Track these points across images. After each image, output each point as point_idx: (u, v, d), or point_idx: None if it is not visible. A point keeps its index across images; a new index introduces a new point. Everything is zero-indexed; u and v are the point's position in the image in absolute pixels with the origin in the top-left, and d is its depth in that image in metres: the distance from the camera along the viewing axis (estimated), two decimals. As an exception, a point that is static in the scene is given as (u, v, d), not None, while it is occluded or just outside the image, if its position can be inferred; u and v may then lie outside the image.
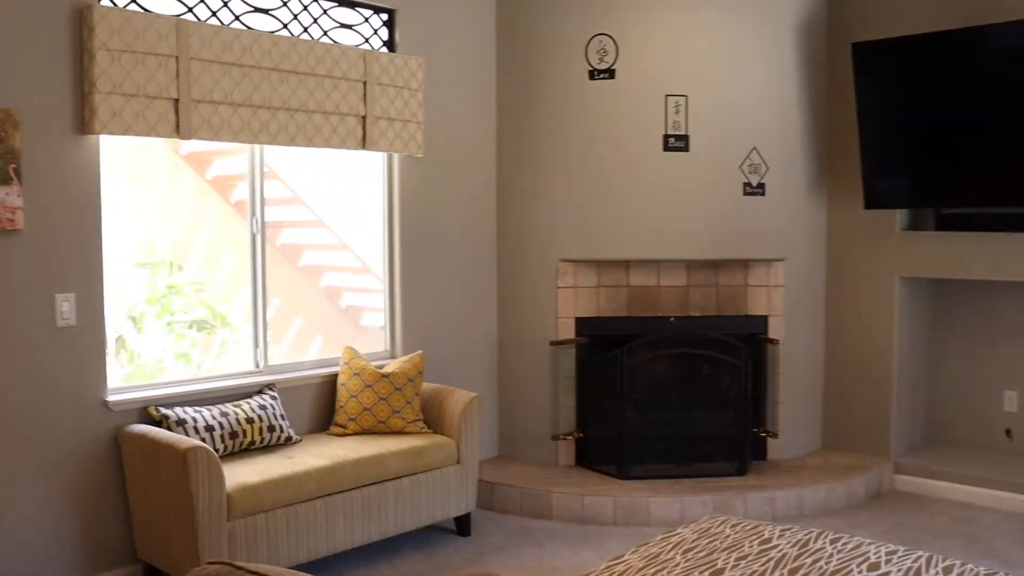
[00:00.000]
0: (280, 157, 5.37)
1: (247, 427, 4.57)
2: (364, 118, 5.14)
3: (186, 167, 6.41)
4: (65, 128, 4.16)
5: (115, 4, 4.30)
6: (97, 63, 4.13)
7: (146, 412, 4.43)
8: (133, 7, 4.36)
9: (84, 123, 4.18)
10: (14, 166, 3.99)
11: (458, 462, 4.97)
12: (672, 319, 5.80)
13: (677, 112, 5.61)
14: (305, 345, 6.46)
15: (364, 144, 5.16)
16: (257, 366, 5.09)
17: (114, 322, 5.56)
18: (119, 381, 4.71)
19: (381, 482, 4.64)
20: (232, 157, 5.15)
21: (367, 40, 5.29)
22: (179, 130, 4.43)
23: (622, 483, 5.52)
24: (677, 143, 5.64)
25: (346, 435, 4.96)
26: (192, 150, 5.42)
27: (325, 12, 5.10)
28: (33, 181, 4.06)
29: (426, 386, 5.20)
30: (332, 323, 6.34)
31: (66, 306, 4.22)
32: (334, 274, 7.02)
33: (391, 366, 5.15)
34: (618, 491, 5.37)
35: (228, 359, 5.20)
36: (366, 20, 5.29)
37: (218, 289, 5.72)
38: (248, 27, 4.76)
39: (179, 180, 6.41)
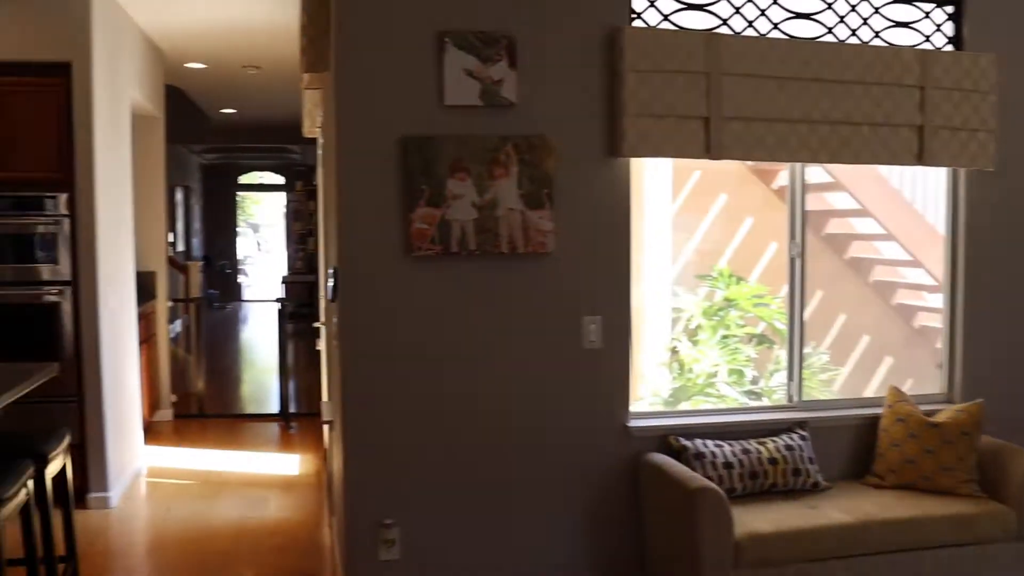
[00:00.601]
0: (846, 166, 4.91)
1: (769, 468, 4.22)
2: (921, 128, 4.50)
3: (752, 177, 6.27)
4: (595, 152, 4.17)
5: (646, 23, 4.21)
6: (627, 85, 4.07)
7: (666, 441, 4.30)
8: (664, 25, 4.24)
9: (613, 146, 4.15)
10: (547, 191, 4.07)
11: (1019, 538, 4.13)
12: None
13: None
14: (871, 366, 5.96)
15: (921, 158, 4.52)
16: (790, 400, 4.72)
17: (666, 334, 5.62)
18: (665, 392, 4.62)
19: (917, 549, 4.00)
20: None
21: (927, 38, 4.64)
22: (709, 150, 4.22)
23: None
24: None
25: (883, 488, 4.38)
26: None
27: (877, 11, 4.55)
28: (563, 205, 4.12)
29: (985, 440, 4.41)
30: (903, 344, 5.78)
31: (593, 328, 4.22)
32: (907, 292, 6.44)
33: (943, 414, 4.46)
34: None
35: (783, 377, 4.86)
36: (927, 15, 4.63)
37: (779, 305, 5.46)
38: (788, 35, 4.40)
39: (745, 191, 6.29)
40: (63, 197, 5.71)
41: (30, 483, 3.75)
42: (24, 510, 3.71)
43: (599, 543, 4.28)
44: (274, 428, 8.43)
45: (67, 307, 5.75)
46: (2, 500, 3.42)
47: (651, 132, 4.13)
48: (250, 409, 9.80)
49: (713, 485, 3.81)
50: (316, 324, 6.89)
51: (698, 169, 6.05)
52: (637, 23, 4.21)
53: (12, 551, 3.81)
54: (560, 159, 4.10)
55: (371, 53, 3.92)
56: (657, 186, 5.87)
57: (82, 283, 5.76)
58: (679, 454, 4.21)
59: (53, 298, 5.75)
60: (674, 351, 5.73)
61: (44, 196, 5.71)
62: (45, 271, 5.77)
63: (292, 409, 8.78)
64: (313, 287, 11.94)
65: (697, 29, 4.25)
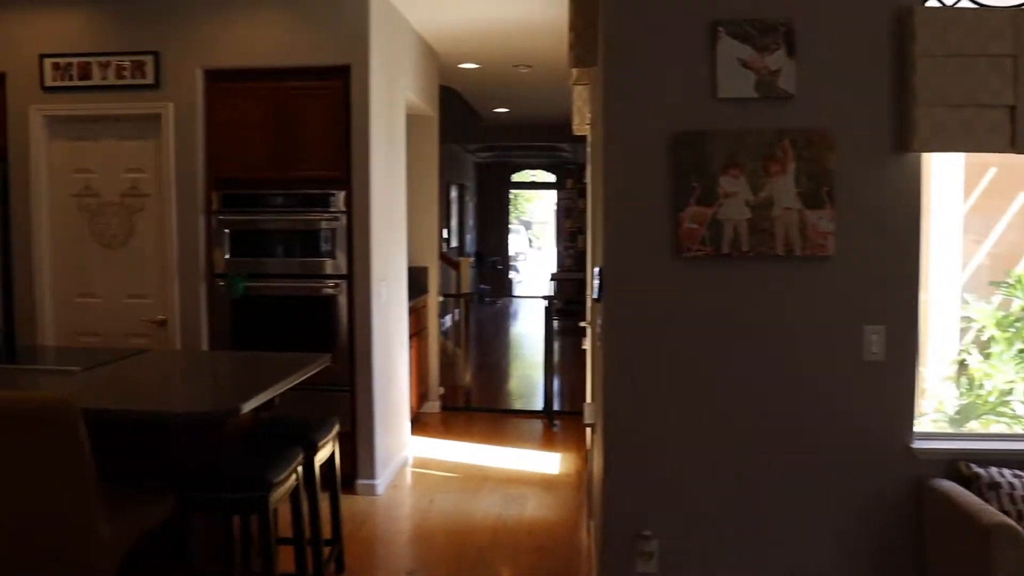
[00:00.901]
0: None
1: (1078, 504, 3.72)
2: None
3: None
4: (881, 146, 3.81)
5: (941, 2, 3.81)
6: (918, 72, 3.70)
7: (954, 466, 3.88)
8: (963, 3, 3.82)
9: (903, 140, 3.79)
10: (827, 189, 3.78)
11: None
12: None
13: None
14: None
15: None
16: (1097, 427, 4.16)
17: (953, 346, 5.14)
18: (950, 409, 4.24)
19: None
20: None
21: None
22: (1014, 143, 3.76)
23: None
24: None
25: None
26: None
27: None
28: (844, 204, 3.81)
29: None
30: None
31: (875, 339, 3.88)
32: None
33: None
34: None
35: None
36: None
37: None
38: (1114, 11, 3.86)
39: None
40: (341, 194, 5.95)
41: (300, 469, 3.89)
42: (294, 494, 3.85)
43: (875, 573, 3.93)
44: (538, 425, 8.48)
45: (343, 300, 5.99)
46: (274, 484, 3.56)
47: (946, 124, 3.73)
48: (516, 405, 9.92)
49: (1012, 522, 3.38)
50: (582, 323, 6.84)
51: (994, 165, 5.50)
52: (931, 3, 3.82)
53: (283, 531, 3.97)
54: (842, 154, 3.79)
55: (639, 45, 3.78)
56: (946, 183, 5.39)
57: (356, 277, 5.98)
58: (969, 482, 3.79)
59: (330, 291, 6.00)
60: (962, 364, 5.25)
61: (328, 193, 5.98)
62: (326, 265, 6.03)
63: (556, 407, 8.80)
64: (581, 285, 11.97)
65: (1003, 6, 3.80)
